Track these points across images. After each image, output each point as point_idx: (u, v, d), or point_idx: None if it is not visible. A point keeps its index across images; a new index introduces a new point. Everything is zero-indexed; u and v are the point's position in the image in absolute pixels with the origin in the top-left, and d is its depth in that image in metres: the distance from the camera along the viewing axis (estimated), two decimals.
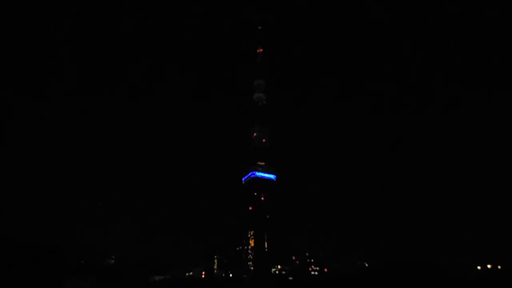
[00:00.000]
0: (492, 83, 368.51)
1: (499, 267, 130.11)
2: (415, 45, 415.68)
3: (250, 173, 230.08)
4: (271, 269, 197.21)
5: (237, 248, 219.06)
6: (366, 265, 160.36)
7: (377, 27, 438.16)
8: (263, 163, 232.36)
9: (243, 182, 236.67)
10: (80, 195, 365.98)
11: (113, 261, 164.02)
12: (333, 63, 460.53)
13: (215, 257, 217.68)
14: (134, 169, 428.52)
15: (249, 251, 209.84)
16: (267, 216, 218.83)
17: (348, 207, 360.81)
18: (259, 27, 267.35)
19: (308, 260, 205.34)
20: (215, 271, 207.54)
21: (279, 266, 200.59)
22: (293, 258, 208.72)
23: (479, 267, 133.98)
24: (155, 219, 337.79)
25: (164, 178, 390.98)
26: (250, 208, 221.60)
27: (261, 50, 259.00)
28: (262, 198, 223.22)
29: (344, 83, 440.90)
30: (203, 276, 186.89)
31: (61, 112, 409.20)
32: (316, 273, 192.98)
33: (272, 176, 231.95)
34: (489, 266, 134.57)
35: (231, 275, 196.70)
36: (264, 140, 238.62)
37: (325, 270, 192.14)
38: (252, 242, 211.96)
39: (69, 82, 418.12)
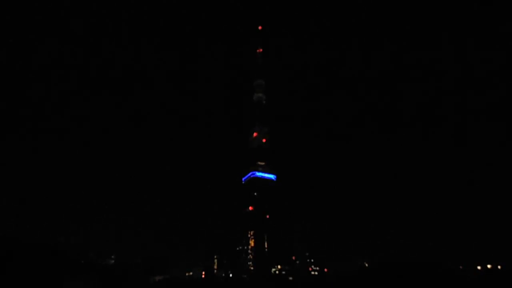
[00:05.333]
0: (492, 83, 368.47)
1: (499, 267, 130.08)
2: (414, 45, 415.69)
3: (250, 173, 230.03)
4: (271, 269, 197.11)
5: (237, 248, 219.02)
6: (366, 265, 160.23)
7: (377, 27, 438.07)
8: (263, 163, 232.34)
9: (243, 182, 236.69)
10: (81, 196, 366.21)
11: (113, 261, 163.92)
12: (333, 63, 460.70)
13: (215, 257, 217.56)
14: (134, 169, 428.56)
15: (249, 251, 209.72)
16: (267, 216, 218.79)
17: (348, 207, 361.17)
18: (259, 27, 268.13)
19: (308, 260, 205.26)
20: (215, 271, 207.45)
21: (279, 266, 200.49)
22: (293, 258, 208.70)
23: (479, 267, 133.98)
24: (155, 219, 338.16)
25: (164, 178, 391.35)
26: (250, 208, 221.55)
27: (261, 50, 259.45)
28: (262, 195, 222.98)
29: (344, 82, 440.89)
30: (203, 276, 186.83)
31: (63, 112, 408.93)
32: (316, 273, 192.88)
33: (272, 176, 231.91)
34: (489, 266, 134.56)
35: (231, 275, 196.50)
36: (264, 140, 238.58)
37: (325, 270, 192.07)
38: (252, 242, 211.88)
39: (71, 82, 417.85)
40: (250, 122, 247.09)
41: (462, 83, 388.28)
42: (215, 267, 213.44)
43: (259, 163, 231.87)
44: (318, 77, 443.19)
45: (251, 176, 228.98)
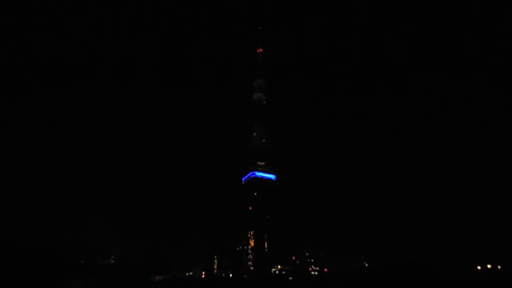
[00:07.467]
0: (492, 83, 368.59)
1: (499, 267, 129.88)
2: (414, 44, 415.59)
3: (250, 173, 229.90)
4: (271, 269, 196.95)
5: (237, 248, 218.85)
6: (366, 265, 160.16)
7: (377, 27, 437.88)
8: (263, 163, 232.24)
9: (243, 182, 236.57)
10: (81, 196, 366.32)
11: (113, 261, 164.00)
12: (333, 63, 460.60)
13: (215, 257, 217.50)
14: (134, 169, 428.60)
15: (249, 251, 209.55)
16: (267, 216, 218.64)
17: (348, 207, 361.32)
18: (259, 27, 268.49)
19: (308, 260, 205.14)
20: (215, 271, 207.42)
21: (279, 266, 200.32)
22: (293, 258, 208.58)
23: (479, 267, 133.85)
24: (155, 219, 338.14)
25: (165, 178, 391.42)
26: (250, 208, 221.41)
27: (261, 50, 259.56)
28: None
29: (344, 82, 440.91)
30: (203, 276, 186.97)
31: (62, 112, 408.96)
32: (316, 273, 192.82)
33: (272, 176, 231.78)
34: (489, 266, 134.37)
35: (231, 275, 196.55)
36: (264, 140, 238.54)
37: (325, 270, 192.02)
38: (252, 242, 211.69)
39: (70, 82, 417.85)
40: (250, 122, 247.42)
41: (462, 83, 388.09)
42: (215, 267, 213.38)
43: (259, 163, 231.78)
44: (318, 77, 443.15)
45: (251, 176, 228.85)
